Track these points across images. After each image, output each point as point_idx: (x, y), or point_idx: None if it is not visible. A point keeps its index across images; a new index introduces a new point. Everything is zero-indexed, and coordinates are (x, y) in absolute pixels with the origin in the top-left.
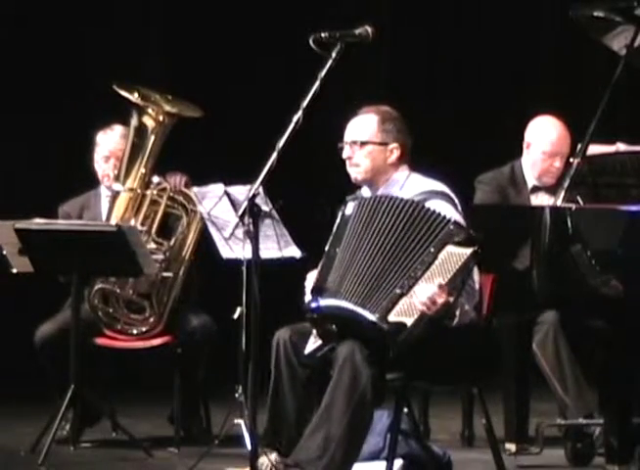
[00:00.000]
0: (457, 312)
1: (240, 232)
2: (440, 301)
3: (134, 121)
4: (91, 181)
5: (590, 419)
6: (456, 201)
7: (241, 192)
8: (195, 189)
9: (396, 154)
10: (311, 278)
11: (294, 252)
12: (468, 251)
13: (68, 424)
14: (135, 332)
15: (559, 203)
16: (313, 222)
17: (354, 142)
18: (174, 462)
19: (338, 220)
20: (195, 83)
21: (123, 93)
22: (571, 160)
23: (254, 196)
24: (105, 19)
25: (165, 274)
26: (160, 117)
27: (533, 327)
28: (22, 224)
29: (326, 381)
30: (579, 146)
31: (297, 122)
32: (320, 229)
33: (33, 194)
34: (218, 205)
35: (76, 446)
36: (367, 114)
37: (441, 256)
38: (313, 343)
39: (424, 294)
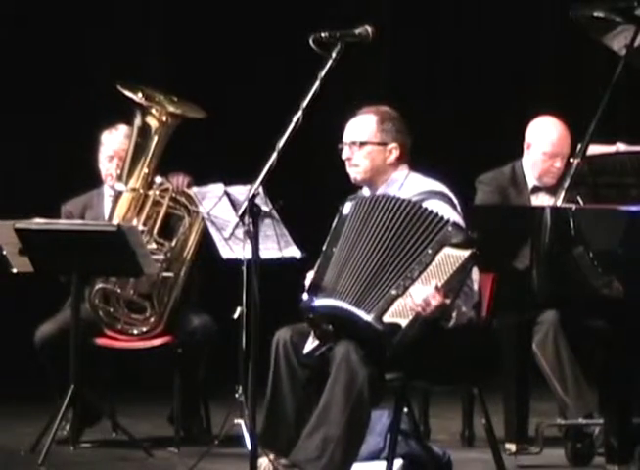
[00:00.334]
0: (453, 314)
1: (240, 232)
2: (435, 302)
3: (138, 122)
4: (91, 181)
5: (590, 419)
6: (455, 201)
7: (241, 192)
8: (195, 189)
9: (395, 154)
10: (311, 277)
11: (294, 252)
12: (465, 253)
13: (68, 424)
14: (135, 332)
15: (559, 203)
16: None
17: (353, 142)
18: (174, 462)
19: (336, 220)
20: (195, 83)
21: (127, 93)
22: (572, 160)
23: (254, 196)
24: (105, 18)
25: (166, 274)
26: (164, 118)
27: (533, 327)
28: (22, 224)
29: (325, 381)
30: (579, 146)
31: (297, 122)
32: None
33: (33, 194)
34: (218, 205)
35: (76, 446)
36: (366, 114)
37: (438, 257)
38: (311, 343)
39: (419, 295)
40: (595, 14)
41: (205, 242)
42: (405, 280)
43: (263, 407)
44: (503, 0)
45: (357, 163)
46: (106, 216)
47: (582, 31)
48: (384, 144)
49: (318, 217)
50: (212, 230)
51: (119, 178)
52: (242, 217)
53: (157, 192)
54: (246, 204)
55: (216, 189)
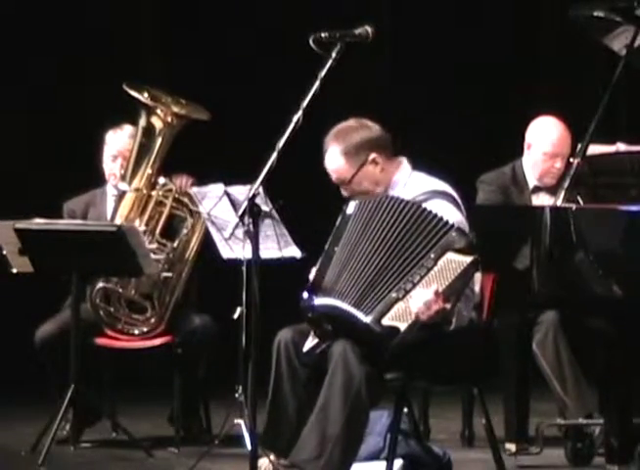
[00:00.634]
0: (453, 319)
1: (240, 232)
2: (436, 308)
3: (142, 122)
4: (91, 181)
5: (590, 419)
6: (459, 201)
7: (241, 192)
8: (195, 189)
9: (380, 159)
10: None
11: (294, 252)
12: (468, 259)
13: (68, 424)
14: (136, 332)
15: (559, 203)
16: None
17: (342, 182)
18: (174, 462)
19: (339, 219)
20: (194, 83)
21: (133, 93)
22: (572, 160)
23: (254, 196)
24: (105, 18)
25: (166, 274)
26: (169, 119)
27: (533, 327)
28: (22, 224)
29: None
30: (579, 146)
31: (297, 122)
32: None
33: (33, 194)
34: (218, 205)
35: (76, 446)
36: (330, 148)
37: (441, 262)
38: (311, 341)
39: (419, 299)
40: (595, 14)
41: (207, 243)
42: (406, 283)
43: (263, 407)
44: (503, 0)
45: (359, 190)
46: (108, 216)
47: (582, 31)
48: (364, 163)
49: (318, 217)
50: (212, 230)
51: (123, 178)
52: (242, 217)
53: (160, 192)
54: (246, 204)
55: (216, 189)
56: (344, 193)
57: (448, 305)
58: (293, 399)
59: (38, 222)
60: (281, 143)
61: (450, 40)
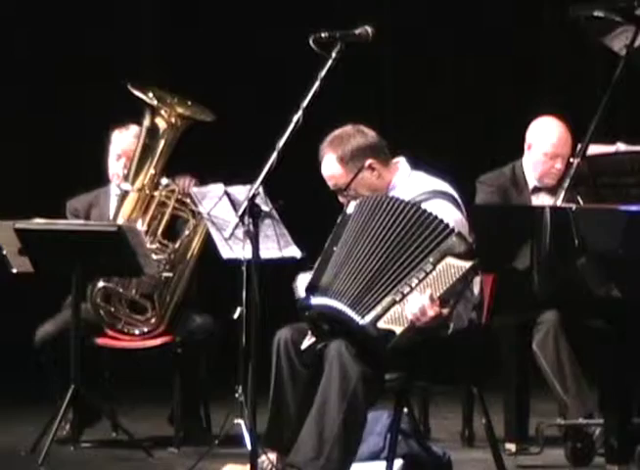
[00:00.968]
0: (451, 323)
1: (240, 232)
2: (432, 313)
3: (146, 122)
4: (91, 181)
5: (590, 419)
6: (459, 201)
7: (241, 192)
8: (195, 189)
9: (377, 165)
10: (302, 279)
11: (294, 252)
12: (467, 264)
13: (68, 424)
14: (136, 332)
15: (559, 203)
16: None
17: (340, 190)
18: (174, 462)
19: (339, 219)
20: (194, 83)
21: (137, 93)
22: (572, 160)
23: (254, 196)
24: (105, 18)
25: (167, 274)
26: (173, 120)
27: (533, 327)
28: (22, 224)
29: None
30: (579, 146)
31: (297, 122)
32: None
33: (33, 194)
34: (218, 205)
35: (76, 446)
36: (326, 156)
37: (440, 266)
38: (308, 340)
39: (416, 304)
40: (595, 14)
41: (209, 244)
42: (404, 287)
43: (263, 407)
44: (503, 0)
45: (357, 196)
46: (111, 215)
47: (582, 31)
48: (360, 169)
49: (318, 217)
50: (212, 230)
51: (126, 178)
52: (242, 217)
53: (162, 193)
54: (246, 204)
55: (216, 189)
56: (342, 200)
57: (445, 311)
58: (293, 397)
59: (38, 222)
60: (281, 143)
61: (450, 40)
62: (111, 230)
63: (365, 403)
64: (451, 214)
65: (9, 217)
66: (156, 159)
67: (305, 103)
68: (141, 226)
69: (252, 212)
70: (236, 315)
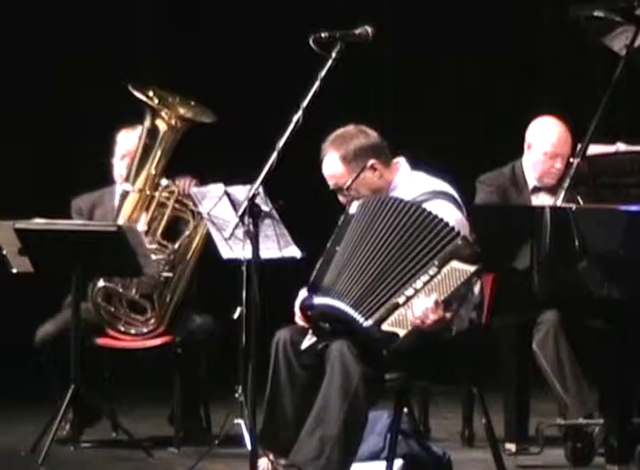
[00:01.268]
0: (454, 327)
1: (240, 232)
2: (436, 317)
3: (147, 123)
4: (92, 181)
5: (590, 419)
6: (459, 201)
7: (241, 192)
8: (195, 189)
9: (379, 166)
10: (302, 295)
11: (294, 252)
12: (472, 268)
13: (68, 424)
14: (136, 332)
15: (559, 203)
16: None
17: (340, 189)
18: (174, 462)
19: (341, 218)
20: (194, 83)
21: (137, 94)
22: (572, 160)
23: (254, 196)
24: (105, 18)
25: (167, 274)
26: (173, 122)
27: (533, 327)
28: (22, 224)
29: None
30: (579, 146)
31: (297, 122)
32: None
33: (33, 194)
34: (218, 205)
35: (76, 446)
36: (328, 154)
37: (445, 270)
38: (308, 339)
39: (420, 308)
40: (595, 14)
41: (209, 244)
42: (408, 289)
43: (263, 407)
44: (503, 0)
45: (357, 197)
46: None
47: (582, 31)
48: (363, 169)
49: (318, 217)
50: (212, 230)
51: (127, 178)
52: (242, 217)
53: (163, 194)
54: (246, 204)
55: (216, 189)
56: (342, 200)
57: (449, 315)
58: (291, 398)
59: (38, 222)
60: (281, 143)
61: (450, 40)
62: (110, 230)
63: (366, 404)
64: (452, 215)
65: (9, 217)
66: (156, 159)
67: (305, 103)
68: (141, 227)
69: (252, 212)
70: (236, 315)
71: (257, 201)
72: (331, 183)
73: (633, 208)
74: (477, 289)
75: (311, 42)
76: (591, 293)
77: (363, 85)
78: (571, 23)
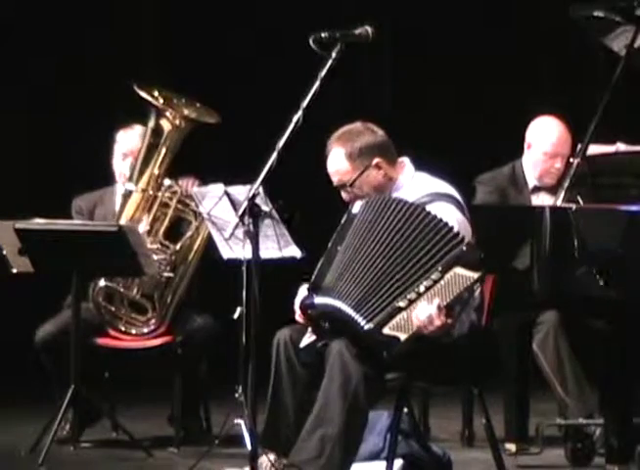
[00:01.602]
0: (455, 331)
1: (240, 232)
2: (438, 323)
3: (151, 123)
4: (92, 181)
5: (590, 419)
6: (462, 203)
7: (241, 192)
8: (195, 189)
9: (384, 164)
10: (302, 293)
11: (294, 252)
12: (475, 275)
13: (68, 424)
14: (137, 332)
15: (559, 203)
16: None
17: (343, 185)
18: (174, 462)
19: (344, 218)
20: (194, 83)
21: (143, 94)
22: (572, 160)
23: (254, 196)
24: (105, 18)
25: (168, 274)
26: (177, 122)
27: (533, 327)
28: (21, 224)
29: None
30: (579, 146)
31: (296, 122)
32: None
33: (33, 194)
34: (218, 205)
35: (76, 446)
36: (333, 150)
37: (448, 275)
38: (308, 338)
39: (423, 313)
40: (595, 14)
41: (210, 245)
42: (411, 293)
43: (263, 407)
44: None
45: (360, 195)
46: (116, 214)
47: (582, 31)
48: (367, 168)
49: (318, 217)
50: (213, 230)
51: (130, 178)
52: (242, 217)
53: (165, 194)
54: (246, 204)
55: (216, 189)
56: (345, 197)
57: (450, 320)
58: (292, 398)
59: (38, 222)
60: (281, 143)
61: (450, 40)
62: (111, 230)
63: (366, 404)
64: (454, 218)
65: (9, 217)
66: (160, 159)
67: (305, 103)
68: (144, 227)
69: (252, 212)
70: (236, 315)
71: (257, 201)
72: (335, 179)
73: (633, 208)
74: (477, 292)
75: (311, 42)
76: (591, 293)
77: (363, 85)
78: (572, 24)
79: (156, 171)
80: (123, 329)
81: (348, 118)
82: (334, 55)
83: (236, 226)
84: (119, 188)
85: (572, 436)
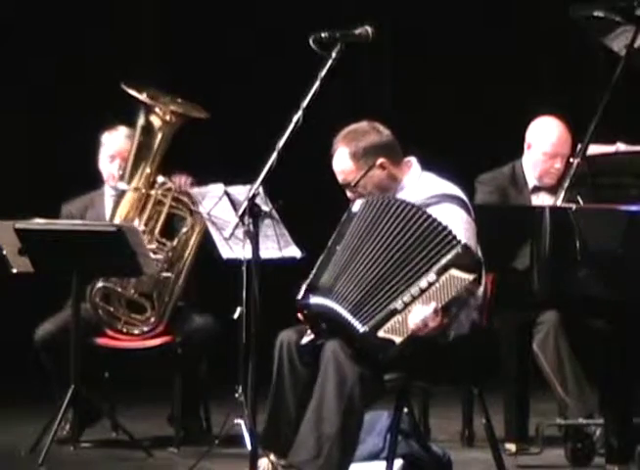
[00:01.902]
0: (452, 332)
1: (240, 232)
2: (433, 324)
3: (141, 121)
4: (91, 181)
5: (590, 419)
6: (469, 204)
7: (241, 192)
8: (195, 189)
9: (388, 164)
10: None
11: (294, 252)
12: (470, 277)
13: (68, 424)
14: (136, 332)
15: (559, 203)
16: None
17: (348, 185)
18: (174, 462)
19: (344, 216)
20: (194, 83)
21: (132, 92)
22: (572, 160)
23: (254, 196)
24: (105, 18)
25: (166, 274)
26: (167, 117)
27: (533, 327)
28: (22, 224)
29: None
30: (579, 146)
31: (296, 122)
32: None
33: (33, 194)
34: (218, 205)
35: (76, 446)
36: (339, 149)
37: (443, 278)
38: (307, 335)
39: (418, 315)
40: (595, 14)
41: (207, 242)
42: (406, 296)
43: (263, 407)
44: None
45: (364, 194)
46: (107, 217)
47: (582, 31)
48: (372, 167)
49: (318, 217)
50: (213, 230)
51: (122, 178)
52: (242, 217)
53: (159, 192)
54: (246, 204)
55: (216, 189)
56: (350, 195)
57: (446, 320)
58: (293, 399)
59: (38, 222)
60: (281, 143)
61: (450, 40)
62: (110, 230)
63: (362, 405)
64: (460, 219)
65: (9, 217)
66: (151, 157)
67: (305, 103)
68: (138, 226)
69: (252, 212)
70: (236, 315)
71: (257, 201)
72: (340, 178)
73: (633, 208)
74: (479, 292)
75: (311, 42)
76: (591, 293)
77: (363, 85)
78: (572, 23)
79: (148, 170)
80: (124, 330)
81: (349, 119)
82: (334, 55)
83: (236, 226)
84: (108, 190)
85: (572, 436)
